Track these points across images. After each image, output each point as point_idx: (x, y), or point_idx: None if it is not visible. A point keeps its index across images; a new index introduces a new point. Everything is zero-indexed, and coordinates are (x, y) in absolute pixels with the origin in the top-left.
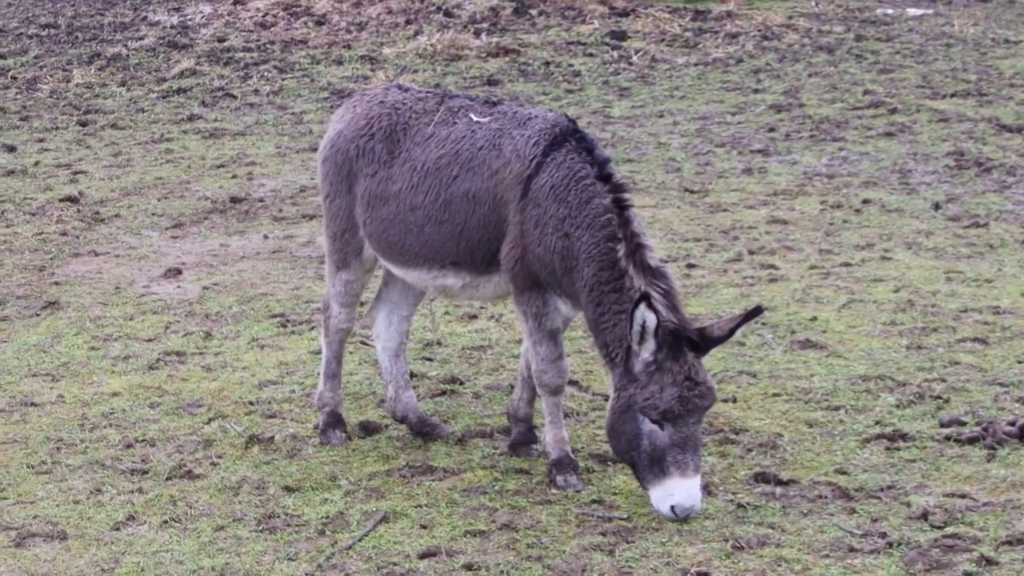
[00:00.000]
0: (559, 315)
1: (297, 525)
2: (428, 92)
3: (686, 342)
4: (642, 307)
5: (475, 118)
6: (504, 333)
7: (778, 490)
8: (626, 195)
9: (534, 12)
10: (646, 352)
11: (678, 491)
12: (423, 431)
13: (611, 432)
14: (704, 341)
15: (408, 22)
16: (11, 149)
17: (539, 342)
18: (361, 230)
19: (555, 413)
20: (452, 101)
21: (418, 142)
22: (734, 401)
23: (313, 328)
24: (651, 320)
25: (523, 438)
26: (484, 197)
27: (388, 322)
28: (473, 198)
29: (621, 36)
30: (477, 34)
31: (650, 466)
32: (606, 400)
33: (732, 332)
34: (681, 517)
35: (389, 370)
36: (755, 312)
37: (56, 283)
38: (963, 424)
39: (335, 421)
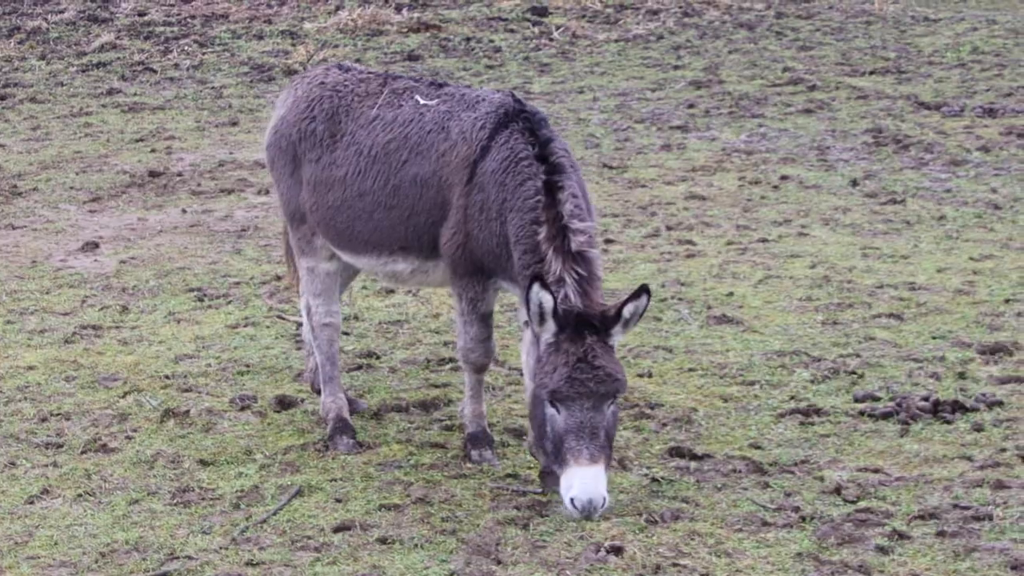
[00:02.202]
0: (492, 303)
1: (212, 499)
2: (371, 73)
3: (588, 326)
4: (536, 288)
5: (422, 100)
6: (421, 308)
7: (692, 464)
8: (559, 177)
9: None
10: (547, 333)
11: (575, 482)
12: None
13: (529, 420)
14: (603, 323)
15: None
16: None
17: (470, 323)
18: (309, 217)
19: (476, 389)
20: (396, 83)
21: (362, 124)
22: (649, 376)
23: (230, 303)
24: (547, 301)
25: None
26: (431, 181)
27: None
28: (421, 182)
29: (542, 12)
30: (398, 9)
31: (554, 454)
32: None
33: (618, 313)
34: (583, 513)
35: (311, 343)
36: (640, 292)
37: None
38: (877, 399)
39: (343, 427)
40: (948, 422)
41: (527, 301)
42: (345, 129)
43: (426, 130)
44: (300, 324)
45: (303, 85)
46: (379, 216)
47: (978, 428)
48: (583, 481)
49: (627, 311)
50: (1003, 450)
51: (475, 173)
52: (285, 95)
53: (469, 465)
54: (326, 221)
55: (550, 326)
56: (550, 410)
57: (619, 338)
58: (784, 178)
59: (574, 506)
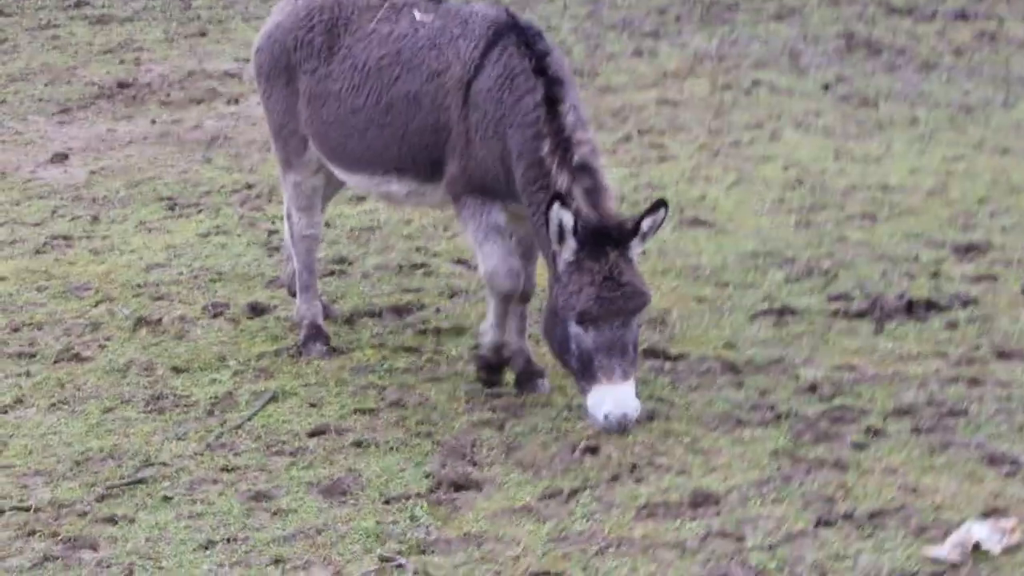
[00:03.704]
0: (502, 215)
1: (186, 406)
2: None
3: (609, 240)
4: (556, 207)
5: (418, 16)
6: (393, 214)
7: (667, 365)
8: (559, 89)
9: None
10: (567, 252)
11: (608, 399)
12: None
13: (545, 336)
14: (622, 236)
15: None
16: None
17: (484, 240)
18: (302, 128)
19: (500, 317)
20: None
21: (359, 39)
22: None
23: (201, 211)
24: (567, 219)
25: (527, 370)
26: (424, 100)
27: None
28: (414, 100)
29: None
30: None
31: (581, 371)
32: None
33: (637, 227)
34: (617, 427)
35: (290, 249)
36: (657, 205)
37: None
38: (851, 299)
39: (315, 333)
40: (922, 320)
41: (547, 221)
42: (343, 42)
43: (419, 46)
44: (271, 232)
45: None
46: (372, 134)
47: (952, 326)
48: (617, 398)
49: (645, 224)
50: (977, 347)
51: (470, 93)
52: (283, 2)
53: (444, 368)
54: (320, 135)
55: (571, 244)
56: (575, 328)
57: (638, 250)
58: (756, 83)
59: (608, 421)
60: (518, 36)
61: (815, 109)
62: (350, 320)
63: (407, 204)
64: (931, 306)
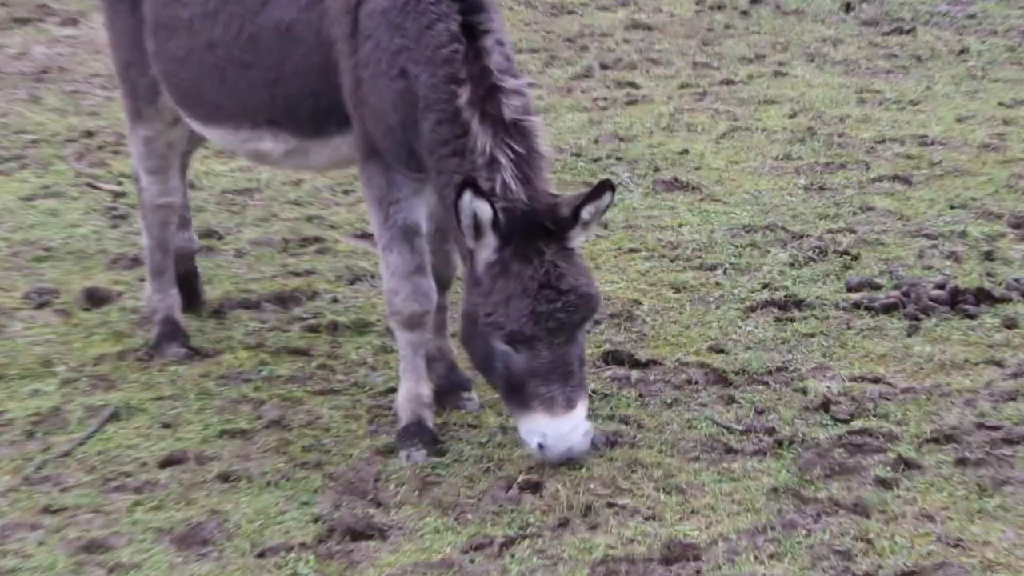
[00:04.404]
0: (415, 206)
1: None
2: None
3: (541, 233)
4: (467, 196)
5: None
6: (277, 173)
7: (634, 374)
8: (480, 17)
9: None
10: (486, 250)
11: (548, 431)
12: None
13: (463, 344)
14: (558, 226)
15: None
16: None
17: (387, 246)
18: (152, 68)
19: (411, 359)
20: None
21: None
22: None
23: (26, 167)
24: (484, 211)
25: (448, 381)
26: (302, 32)
27: None
28: (288, 33)
29: None
30: None
31: (509, 394)
32: None
33: (575, 215)
34: (555, 461)
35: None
36: (601, 189)
37: None
38: (877, 288)
39: (171, 330)
40: (971, 316)
41: (456, 211)
42: None
43: None
44: (117, 195)
45: None
46: (233, 76)
47: (1010, 324)
48: (559, 433)
49: (586, 212)
50: None
51: (359, 18)
52: None
53: (340, 377)
54: (170, 77)
55: (490, 241)
56: (502, 347)
57: (580, 240)
58: (755, 1)
59: (546, 454)
60: None
61: (833, 36)
62: (219, 312)
63: (285, 167)
64: (982, 297)
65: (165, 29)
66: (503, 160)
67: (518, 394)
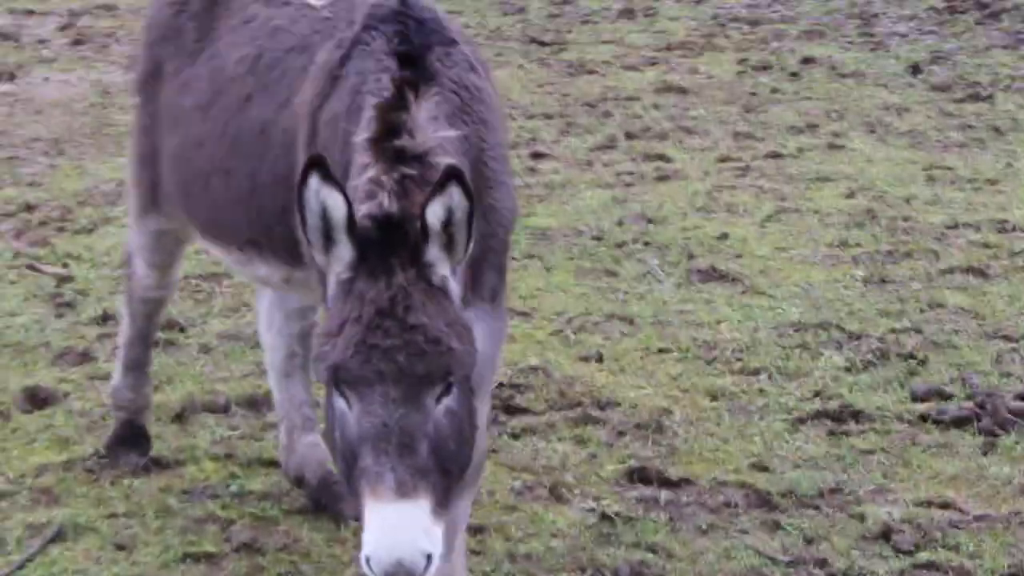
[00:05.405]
0: None
1: None
2: None
3: (393, 245)
4: (314, 180)
5: (311, 0)
6: None
7: (664, 494)
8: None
9: None
10: (339, 263)
11: (372, 528)
12: (324, 499)
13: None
14: (406, 236)
15: None
16: None
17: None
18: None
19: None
20: None
21: (234, 27)
22: (600, 360)
23: None
24: (336, 205)
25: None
26: (276, 135)
27: (270, 316)
28: (263, 135)
29: None
30: None
31: (345, 475)
32: None
33: (422, 213)
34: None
35: (279, 400)
36: (444, 179)
37: None
38: (948, 398)
39: (131, 435)
40: None
41: (299, 203)
42: (217, 31)
43: (285, 47)
44: (62, 279)
45: None
46: (217, 184)
47: None
48: (384, 528)
49: (431, 215)
50: None
51: (317, 125)
52: None
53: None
54: (168, 175)
55: (345, 251)
56: (339, 402)
57: (442, 264)
58: (807, 61)
59: (371, 568)
60: (396, 24)
61: (897, 103)
62: (181, 416)
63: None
64: None
65: (169, 119)
66: (387, 181)
67: (349, 474)
